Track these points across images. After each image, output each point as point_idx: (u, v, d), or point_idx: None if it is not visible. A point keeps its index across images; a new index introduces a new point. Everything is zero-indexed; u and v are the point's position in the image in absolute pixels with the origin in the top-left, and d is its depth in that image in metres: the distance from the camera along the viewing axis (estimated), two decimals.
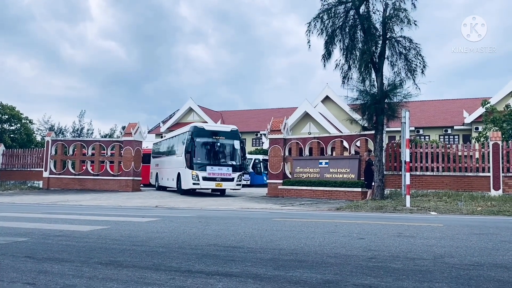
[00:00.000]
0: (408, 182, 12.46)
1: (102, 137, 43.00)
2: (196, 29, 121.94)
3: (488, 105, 21.90)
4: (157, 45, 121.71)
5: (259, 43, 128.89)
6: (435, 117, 38.37)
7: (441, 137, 36.79)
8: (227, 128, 20.26)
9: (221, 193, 20.41)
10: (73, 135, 52.75)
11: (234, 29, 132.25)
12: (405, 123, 14.60)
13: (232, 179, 19.02)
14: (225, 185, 18.93)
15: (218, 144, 19.33)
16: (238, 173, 19.31)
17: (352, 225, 5.80)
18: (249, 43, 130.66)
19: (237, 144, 19.74)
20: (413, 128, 36.32)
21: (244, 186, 32.51)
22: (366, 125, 14.81)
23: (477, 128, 32.69)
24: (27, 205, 13.36)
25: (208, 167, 18.45)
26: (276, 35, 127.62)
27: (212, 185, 18.57)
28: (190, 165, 18.37)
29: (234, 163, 19.43)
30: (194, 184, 18.24)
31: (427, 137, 36.73)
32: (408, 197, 12.33)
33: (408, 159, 12.76)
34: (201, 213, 8.98)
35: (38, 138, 46.19)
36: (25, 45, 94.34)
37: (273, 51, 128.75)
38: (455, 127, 36.33)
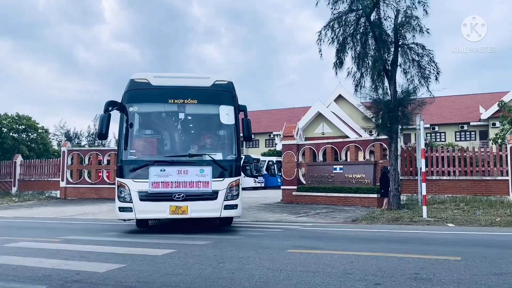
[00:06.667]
0: (424, 192, 12.31)
1: (117, 141, 43.53)
2: (208, 29, 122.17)
3: (504, 104, 21.52)
4: (170, 46, 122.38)
5: (272, 40, 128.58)
6: (450, 114, 37.84)
7: (457, 133, 36.31)
8: (205, 80, 9.67)
9: (221, 222, 10.35)
10: (88, 139, 53.26)
11: (247, 28, 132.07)
12: (419, 129, 14.40)
13: (213, 195, 8.95)
14: (194, 208, 8.83)
15: (182, 116, 9.54)
16: (229, 180, 9.12)
17: (368, 261, 5.74)
18: (261, 41, 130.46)
19: (227, 115, 9.44)
20: (428, 125, 35.87)
21: (258, 188, 32.44)
22: (380, 135, 14.66)
23: (494, 124, 32.15)
24: (44, 221, 13.56)
25: (153, 170, 8.84)
26: (289, 32, 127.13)
27: (163, 210, 8.83)
28: (118, 168, 9.21)
29: (219, 156, 9.25)
30: (121, 210, 8.98)
31: (442, 134, 36.27)
32: (424, 208, 12.18)
33: (424, 170, 12.60)
34: (216, 235, 8.99)
35: (54, 143, 46.88)
36: (41, 50, 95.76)
37: (285, 48, 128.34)
38: (471, 123, 35.81)
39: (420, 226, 11.05)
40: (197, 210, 8.86)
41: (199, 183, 8.88)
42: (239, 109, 9.56)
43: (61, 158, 24.45)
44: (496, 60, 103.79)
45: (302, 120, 33.91)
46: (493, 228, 10.31)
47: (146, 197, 8.80)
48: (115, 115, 9.45)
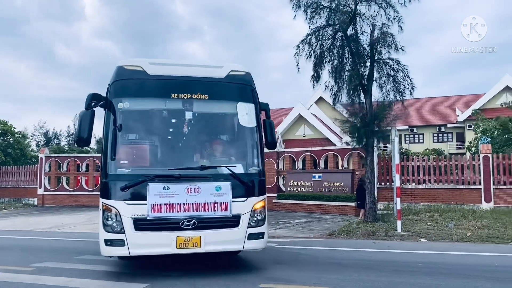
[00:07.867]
0: (399, 207, 12.55)
1: (97, 141, 42.63)
2: (191, 26, 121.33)
3: (477, 112, 22.08)
4: (153, 43, 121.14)
5: (255, 38, 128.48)
6: (428, 116, 38.52)
7: (435, 135, 36.99)
8: (217, 69, 7.45)
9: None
10: (68, 139, 52.49)
11: (230, 25, 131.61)
12: (394, 142, 14.61)
13: (233, 221, 6.71)
14: (210, 239, 6.55)
15: (188, 116, 7.07)
16: (254, 201, 6.88)
17: None
18: (244, 38, 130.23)
19: (247, 114, 7.16)
20: (406, 127, 36.47)
21: None
22: (356, 146, 14.87)
23: (470, 126, 32.85)
24: (19, 237, 13.36)
25: (153, 188, 6.40)
26: (272, 30, 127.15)
27: (167, 243, 6.43)
28: (103, 186, 6.64)
29: (239, 169, 6.95)
30: (107, 243, 6.41)
31: (420, 136, 36.89)
32: (399, 222, 12.44)
33: (398, 185, 12.83)
34: (192, 265, 8.96)
35: (33, 143, 45.98)
36: (20, 46, 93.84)
37: (269, 46, 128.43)
38: (448, 125, 36.52)
39: (394, 242, 11.32)
40: (213, 241, 6.61)
41: (215, 204, 6.64)
42: (261, 107, 7.43)
43: (39, 165, 24.10)
44: (475, 60, 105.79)
45: (283, 123, 34.09)
46: (464, 245, 10.61)
47: (144, 225, 6.42)
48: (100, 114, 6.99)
